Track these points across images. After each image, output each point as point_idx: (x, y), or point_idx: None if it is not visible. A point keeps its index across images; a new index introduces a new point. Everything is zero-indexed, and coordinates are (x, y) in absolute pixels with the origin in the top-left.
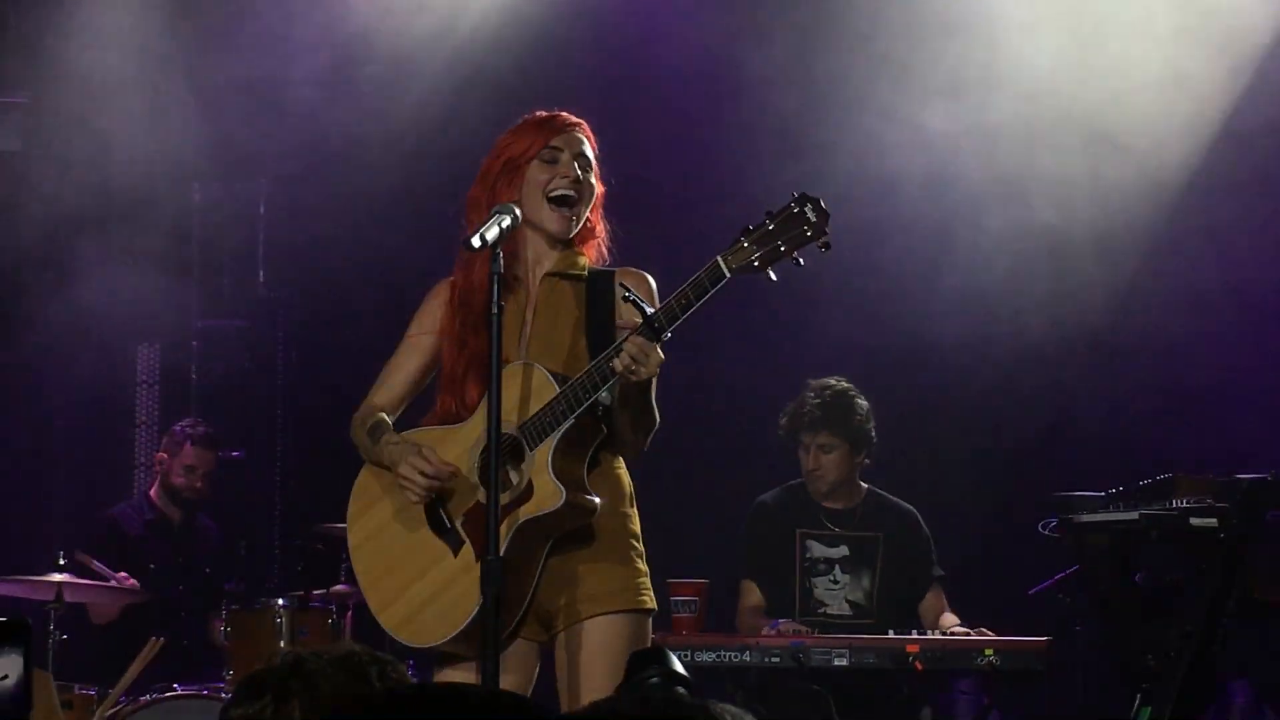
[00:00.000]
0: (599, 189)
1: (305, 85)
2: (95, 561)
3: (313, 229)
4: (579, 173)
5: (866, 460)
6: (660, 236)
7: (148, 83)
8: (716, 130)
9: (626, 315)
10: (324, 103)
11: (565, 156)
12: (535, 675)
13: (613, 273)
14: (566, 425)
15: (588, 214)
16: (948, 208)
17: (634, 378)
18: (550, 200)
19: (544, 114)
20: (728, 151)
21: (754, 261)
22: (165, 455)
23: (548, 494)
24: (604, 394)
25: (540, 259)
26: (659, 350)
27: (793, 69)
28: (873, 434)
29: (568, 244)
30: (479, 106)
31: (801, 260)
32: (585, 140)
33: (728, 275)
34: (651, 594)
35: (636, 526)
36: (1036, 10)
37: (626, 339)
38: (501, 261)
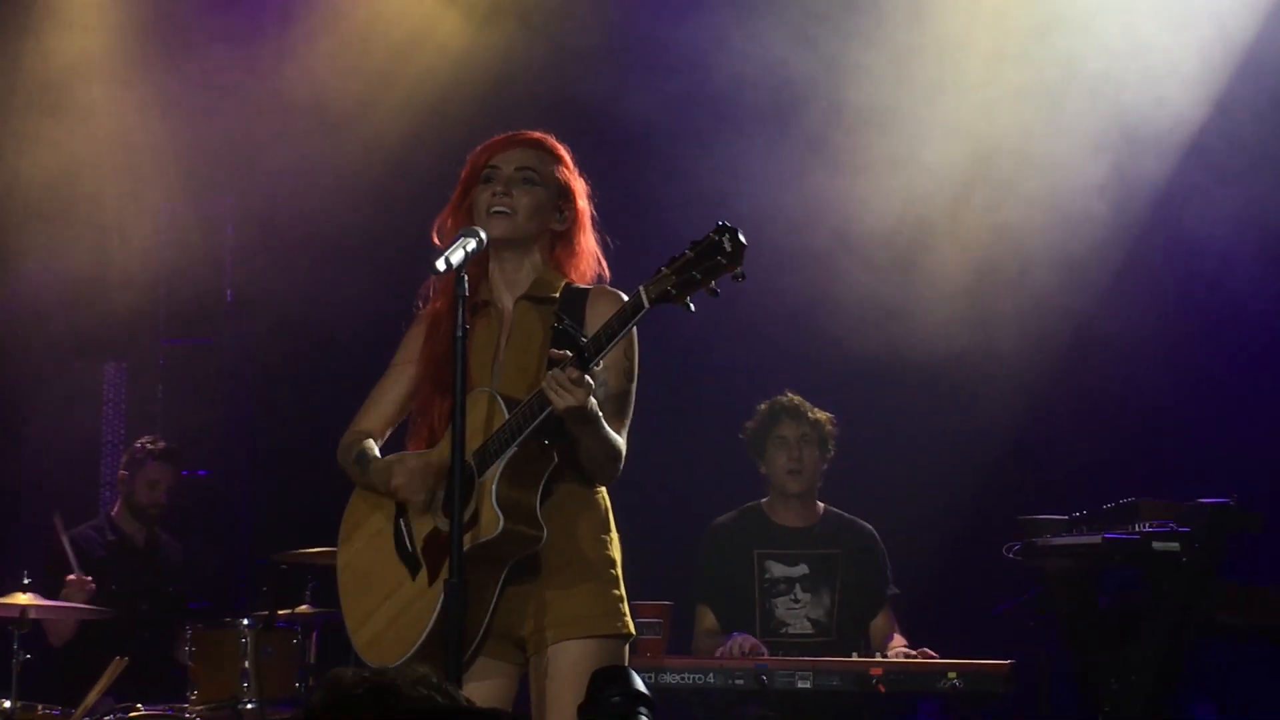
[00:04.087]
0: (577, 202)
1: (275, 106)
2: (65, 536)
3: (280, 246)
4: (517, 184)
5: (824, 468)
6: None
7: (114, 102)
8: (691, 150)
9: (559, 344)
10: (293, 124)
11: (502, 173)
12: (512, 698)
13: (587, 293)
14: (509, 454)
15: (540, 222)
16: (914, 227)
17: (559, 407)
18: (489, 214)
19: (497, 136)
20: (698, 177)
21: (671, 290)
22: (126, 473)
23: (488, 522)
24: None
25: (514, 282)
26: (588, 379)
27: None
28: (832, 444)
29: (547, 266)
30: (450, 128)
31: (718, 290)
32: (532, 151)
33: (647, 305)
34: (628, 619)
35: (614, 552)
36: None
37: (549, 371)
38: (466, 285)
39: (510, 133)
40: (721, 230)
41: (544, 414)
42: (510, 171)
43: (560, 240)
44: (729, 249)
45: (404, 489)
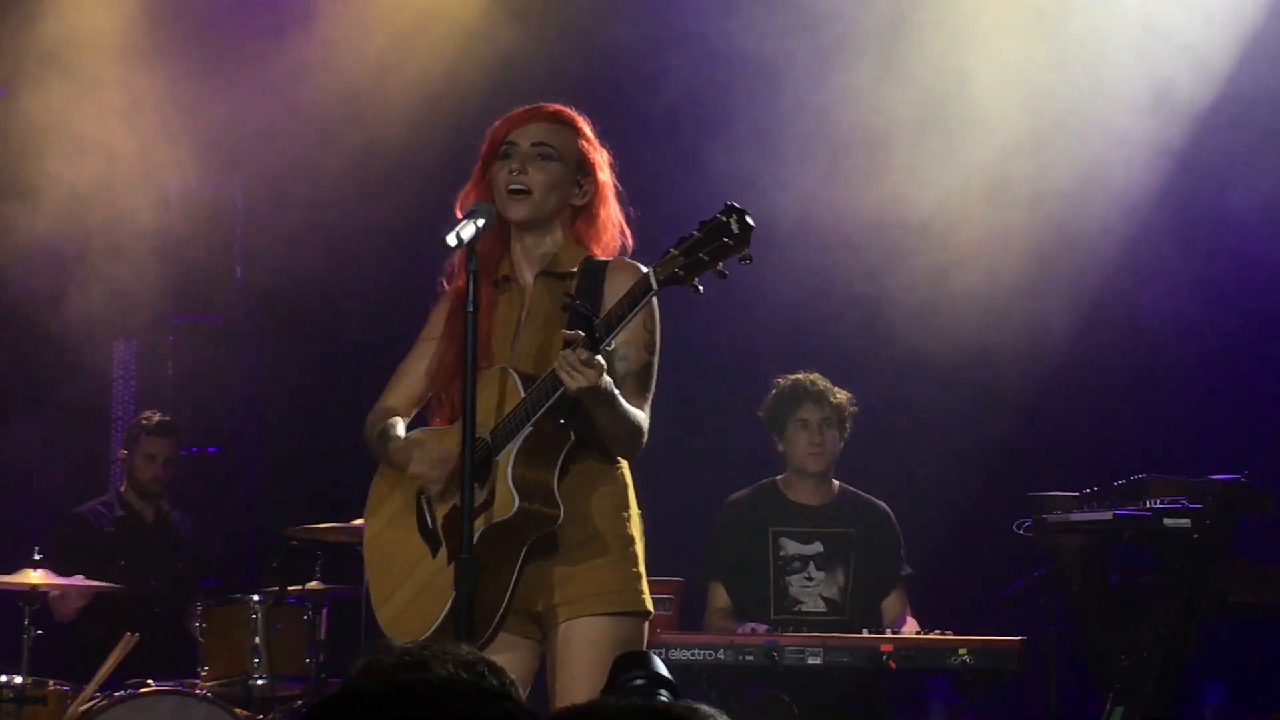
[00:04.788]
0: (597, 175)
1: (287, 83)
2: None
3: (290, 224)
4: (534, 161)
5: (841, 447)
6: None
7: (126, 77)
8: (702, 135)
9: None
10: (305, 100)
11: (519, 149)
12: (533, 673)
13: (606, 264)
14: (525, 433)
15: (560, 198)
16: (924, 208)
17: (570, 388)
18: (508, 193)
19: (516, 110)
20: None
21: (679, 272)
22: (126, 451)
23: (503, 501)
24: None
25: (535, 259)
26: (600, 360)
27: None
28: (850, 424)
29: (569, 241)
30: (461, 105)
31: (726, 273)
32: (549, 125)
33: (655, 287)
34: (646, 596)
35: (634, 529)
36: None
37: (560, 351)
38: (477, 260)
39: (529, 105)
40: (729, 211)
41: (558, 394)
42: (526, 148)
43: (581, 214)
44: (736, 231)
45: (421, 477)
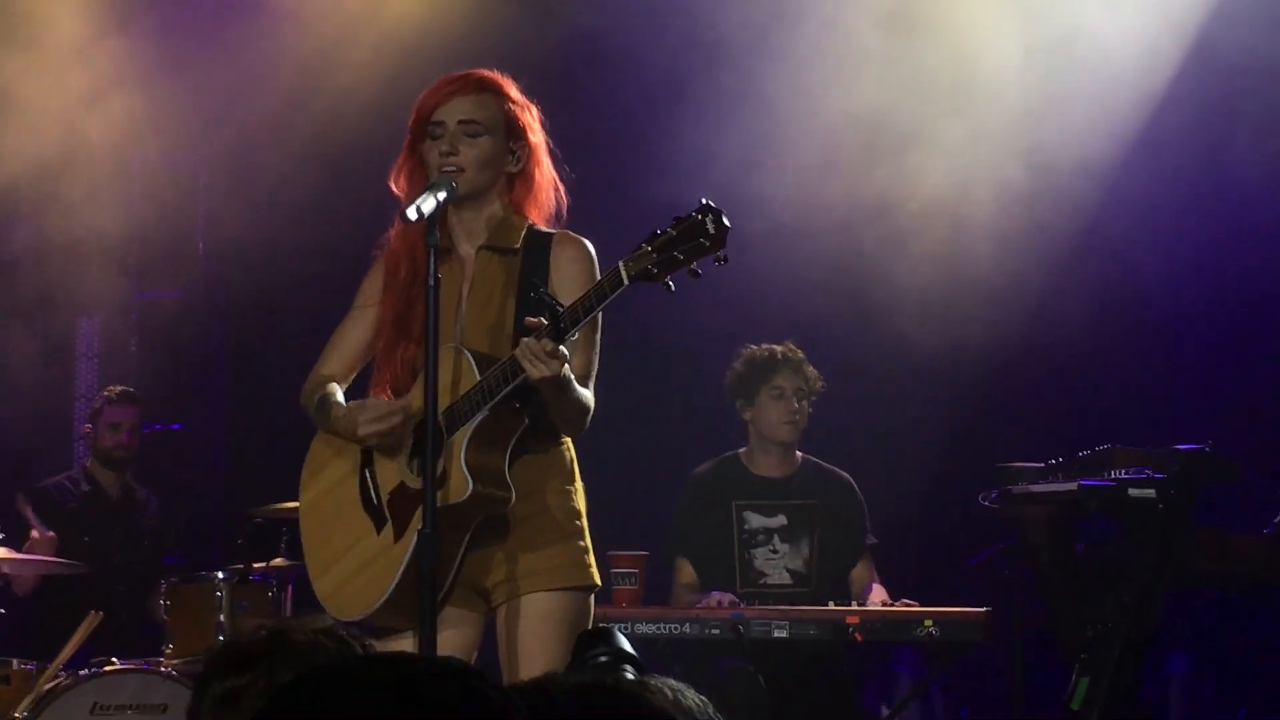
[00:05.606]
0: (529, 138)
1: (247, 58)
2: (29, 510)
3: (253, 199)
4: (463, 140)
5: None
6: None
7: (87, 52)
8: (669, 104)
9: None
10: (265, 75)
11: (447, 129)
12: (476, 646)
13: (550, 238)
14: (480, 417)
15: (494, 171)
16: (884, 179)
17: (533, 376)
18: (441, 174)
19: (438, 81)
20: (679, 125)
21: (652, 269)
22: (90, 426)
23: (457, 485)
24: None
25: (474, 230)
26: (563, 350)
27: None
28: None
29: (508, 210)
30: (421, 78)
31: (700, 271)
32: (473, 98)
33: (626, 283)
34: (593, 570)
35: (579, 503)
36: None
37: (523, 340)
38: (437, 234)
39: (451, 77)
40: (705, 210)
41: (517, 380)
42: (454, 126)
43: (518, 179)
44: (712, 231)
45: (374, 434)
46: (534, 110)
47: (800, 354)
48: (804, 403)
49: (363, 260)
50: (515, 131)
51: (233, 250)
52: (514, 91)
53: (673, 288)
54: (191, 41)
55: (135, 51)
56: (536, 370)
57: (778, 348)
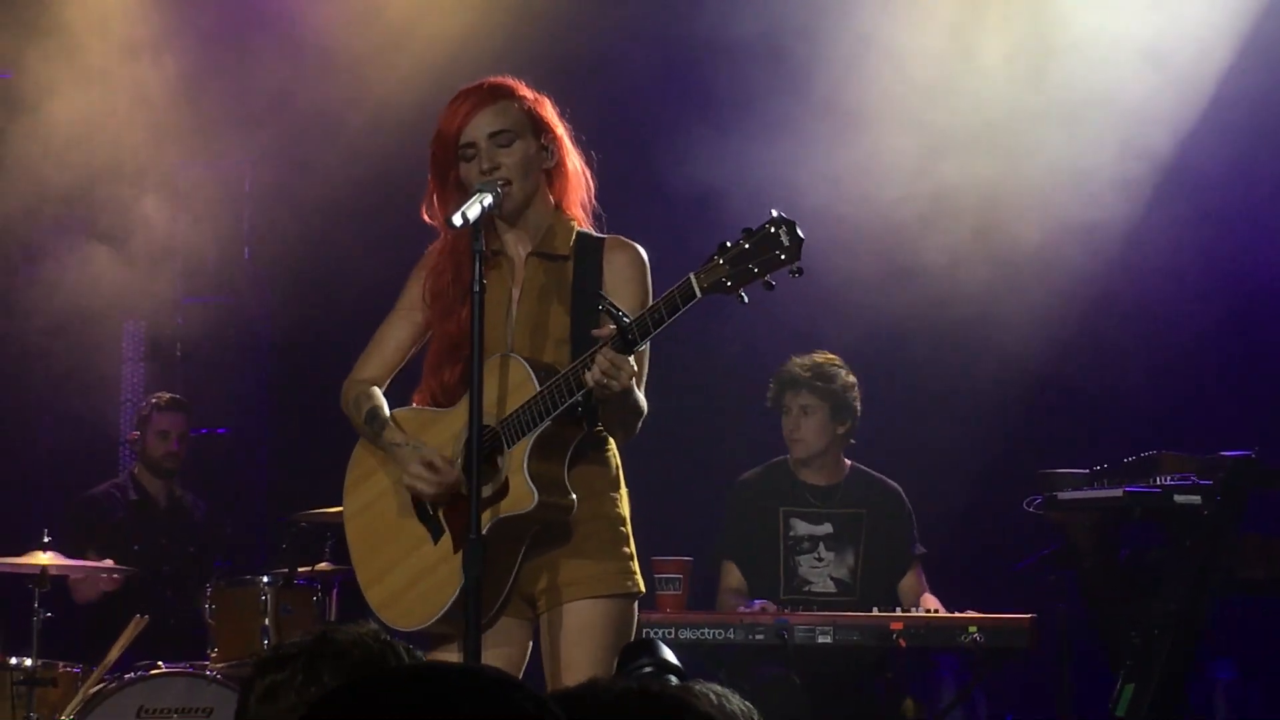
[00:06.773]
0: (555, 130)
1: (294, 63)
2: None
3: (298, 205)
4: (499, 152)
5: (849, 434)
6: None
7: (132, 58)
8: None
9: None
10: (312, 81)
11: (480, 148)
12: (528, 652)
13: (602, 243)
14: (542, 428)
15: (537, 172)
16: (936, 181)
17: (605, 393)
18: None
19: (453, 104)
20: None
21: (725, 281)
22: (137, 433)
23: (521, 495)
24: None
25: (523, 236)
26: (631, 362)
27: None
28: (856, 406)
29: (552, 210)
30: (464, 79)
31: (774, 283)
32: (492, 109)
33: (699, 295)
34: (637, 577)
35: (624, 509)
36: None
37: (596, 351)
38: (483, 240)
39: (459, 95)
40: (778, 222)
41: (581, 392)
42: (485, 142)
43: (555, 173)
44: (787, 244)
45: (419, 492)
46: (548, 103)
47: (801, 369)
48: (812, 419)
49: (407, 265)
50: (541, 127)
51: (278, 255)
52: (525, 90)
53: (746, 300)
54: (237, 47)
55: (180, 59)
56: (609, 385)
57: (788, 364)
